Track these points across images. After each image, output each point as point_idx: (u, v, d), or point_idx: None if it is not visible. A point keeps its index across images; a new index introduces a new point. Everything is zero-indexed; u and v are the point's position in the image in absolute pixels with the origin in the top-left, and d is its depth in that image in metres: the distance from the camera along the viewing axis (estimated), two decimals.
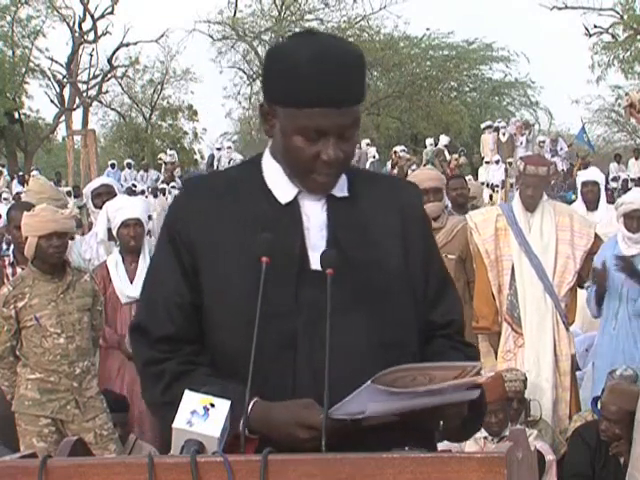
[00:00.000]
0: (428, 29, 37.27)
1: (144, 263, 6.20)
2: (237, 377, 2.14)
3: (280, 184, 2.30)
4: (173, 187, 22.10)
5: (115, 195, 7.14)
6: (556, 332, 6.34)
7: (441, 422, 2.18)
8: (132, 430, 5.99)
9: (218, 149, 30.20)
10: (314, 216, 2.29)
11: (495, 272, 6.34)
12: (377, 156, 26.80)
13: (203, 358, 2.28)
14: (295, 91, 2.19)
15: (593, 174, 8.67)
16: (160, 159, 28.91)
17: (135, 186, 23.20)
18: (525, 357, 6.25)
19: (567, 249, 6.36)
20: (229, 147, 30.42)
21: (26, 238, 5.41)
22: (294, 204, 2.29)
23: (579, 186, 8.34)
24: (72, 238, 7.98)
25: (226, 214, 2.29)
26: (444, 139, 27.65)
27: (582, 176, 8.67)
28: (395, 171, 24.02)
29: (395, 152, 26.39)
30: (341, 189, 2.32)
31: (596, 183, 8.00)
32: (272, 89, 2.25)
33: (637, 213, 6.21)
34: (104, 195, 7.00)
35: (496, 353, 6.26)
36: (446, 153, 26.95)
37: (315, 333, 2.16)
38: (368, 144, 27.32)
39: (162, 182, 25.06)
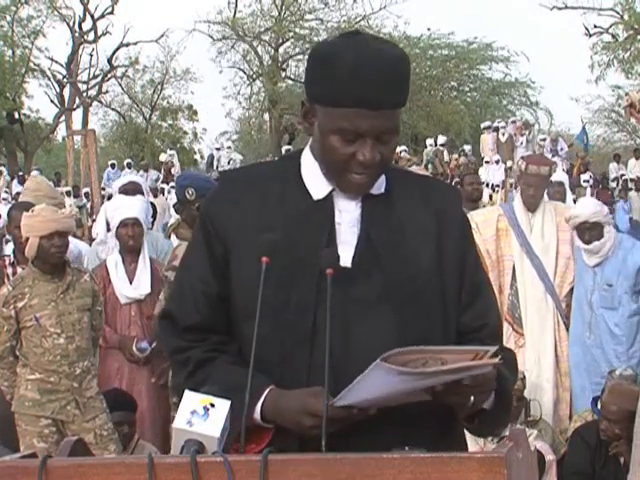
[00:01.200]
0: (429, 29, 37.34)
1: (144, 263, 6.19)
2: (261, 366, 2.15)
3: (315, 181, 2.31)
4: (173, 187, 22.09)
5: (142, 193, 7.15)
6: (557, 332, 6.34)
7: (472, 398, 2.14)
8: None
9: (218, 149, 30.21)
10: (347, 212, 2.29)
11: (496, 272, 6.34)
12: None
13: (229, 347, 2.31)
14: (333, 90, 2.18)
15: (557, 175, 8.64)
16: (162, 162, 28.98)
17: None
18: (526, 357, 6.26)
19: (568, 249, 6.37)
20: (229, 147, 30.43)
21: (27, 239, 5.40)
22: (328, 200, 2.29)
23: None
24: (78, 237, 7.99)
25: (259, 207, 2.30)
26: (441, 139, 27.68)
27: None
28: None
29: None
30: (378, 187, 2.32)
31: (562, 184, 7.99)
32: (312, 87, 2.26)
33: (586, 225, 6.17)
34: (131, 192, 6.95)
35: None
36: (445, 153, 26.95)
37: (335, 330, 2.15)
38: None
39: (162, 182, 25.06)
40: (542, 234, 6.36)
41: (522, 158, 6.95)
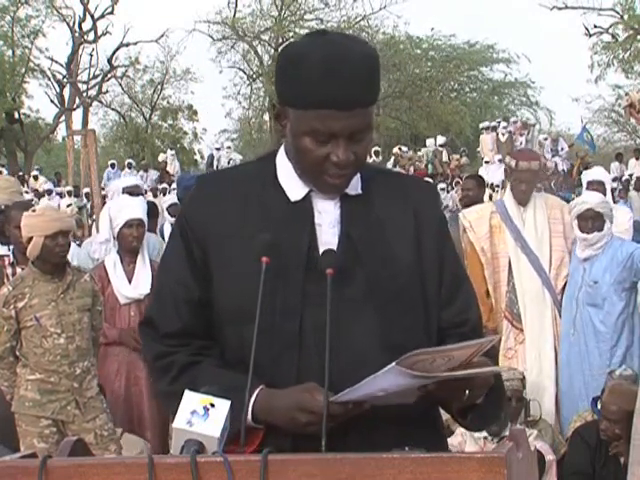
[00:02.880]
0: (433, 29, 37.43)
1: (142, 263, 6.18)
2: (246, 370, 2.13)
3: (292, 182, 2.29)
4: (174, 189, 22.07)
5: (142, 195, 7.20)
6: (555, 327, 6.35)
7: (466, 392, 2.16)
8: (133, 430, 6.00)
9: (217, 149, 30.23)
10: (326, 213, 2.28)
11: (491, 269, 6.34)
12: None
13: (212, 351, 2.29)
14: (303, 93, 2.16)
15: (599, 173, 8.61)
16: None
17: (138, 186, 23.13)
18: (527, 353, 6.26)
19: (561, 242, 6.37)
20: (228, 147, 30.46)
21: (30, 239, 5.39)
22: (306, 201, 2.28)
23: (584, 185, 8.32)
24: (75, 237, 8.01)
25: (237, 210, 2.28)
26: (441, 139, 27.70)
27: (588, 175, 8.62)
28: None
29: (400, 148, 26.43)
30: (355, 187, 2.31)
31: (601, 183, 7.92)
32: (282, 90, 2.23)
33: (590, 212, 6.17)
34: (135, 195, 7.00)
35: None
36: (444, 154, 26.96)
37: (323, 332, 2.14)
38: None
39: (162, 182, 25.08)
40: (535, 227, 6.36)
41: (509, 155, 6.90)
